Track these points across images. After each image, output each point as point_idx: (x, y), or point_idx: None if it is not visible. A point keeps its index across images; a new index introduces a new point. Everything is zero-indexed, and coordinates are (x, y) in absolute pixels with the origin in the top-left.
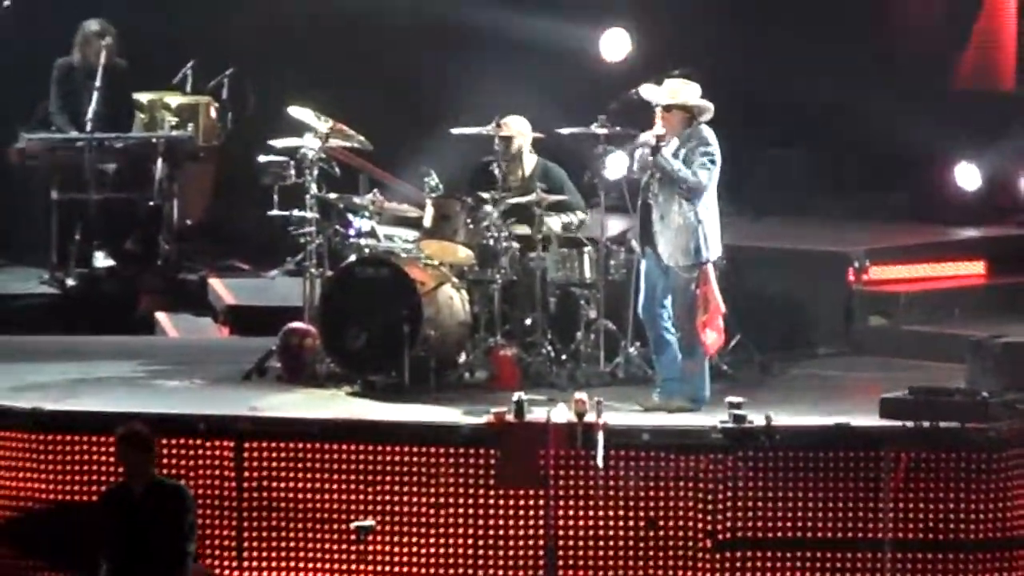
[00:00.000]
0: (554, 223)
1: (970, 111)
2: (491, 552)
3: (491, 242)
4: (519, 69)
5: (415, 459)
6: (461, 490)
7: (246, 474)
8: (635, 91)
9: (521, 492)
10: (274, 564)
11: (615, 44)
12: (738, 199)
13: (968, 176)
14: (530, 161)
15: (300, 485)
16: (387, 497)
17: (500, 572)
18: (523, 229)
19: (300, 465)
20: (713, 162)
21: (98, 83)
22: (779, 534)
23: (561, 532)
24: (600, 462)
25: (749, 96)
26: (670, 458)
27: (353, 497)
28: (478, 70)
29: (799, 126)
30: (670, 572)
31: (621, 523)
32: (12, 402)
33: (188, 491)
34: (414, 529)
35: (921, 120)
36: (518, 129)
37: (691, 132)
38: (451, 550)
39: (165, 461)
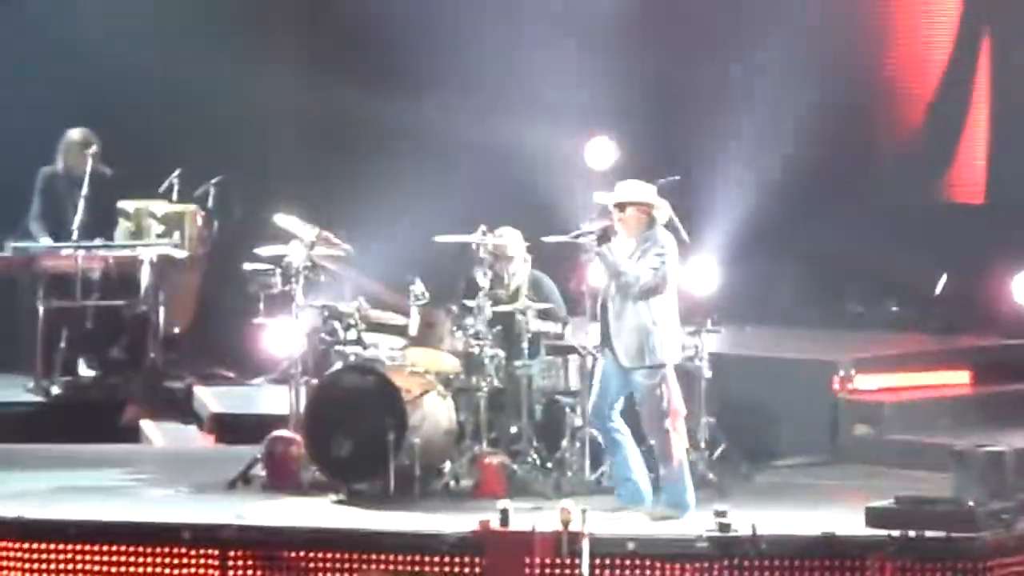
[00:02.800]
0: (540, 326)
1: (951, 223)
2: None
3: (477, 350)
4: (504, 176)
5: (401, 567)
6: None
7: None
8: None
9: None
10: None
11: (600, 152)
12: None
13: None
14: (522, 273)
15: None
16: None
17: None
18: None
19: (285, 574)
20: (664, 263)
21: (85, 191)
22: None
23: None
24: (585, 571)
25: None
26: (656, 566)
27: None
28: (464, 177)
29: (783, 236)
30: None
31: None
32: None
33: None
34: None
35: (905, 232)
36: (511, 241)
37: (648, 235)
38: None
39: (150, 569)
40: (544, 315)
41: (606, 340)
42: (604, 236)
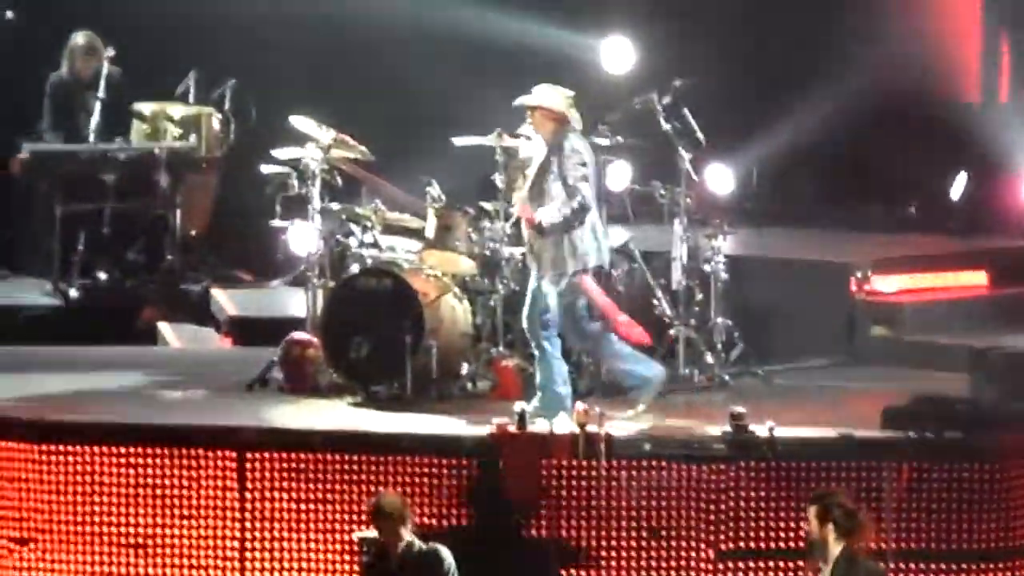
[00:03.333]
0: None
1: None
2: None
3: (493, 252)
4: (520, 79)
5: (418, 470)
6: (464, 500)
7: (248, 484)
8: (638, 100)
9: (525, 502)
10: (277, 574)
11: (617, 53)
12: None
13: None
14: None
15: (302, 496)
16: None
17: None
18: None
19: (302, 476)
20: (585, 176)
21: (100, 93)
22: (782, 544)
23: (564, 543)
24: (602, 472)
25: (752, 108)
26: (672, 468)
27: (356, 508)
28: (479, 79)
29: (800, 138)
30: None
31: (624, 533)
32: (15, 413)
33: (445, 552)
34: None
35: (919, 133)
36: (527, 141)
37: (560, 140)
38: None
39: (168, 471)
40: None
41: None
42: (539, 227)
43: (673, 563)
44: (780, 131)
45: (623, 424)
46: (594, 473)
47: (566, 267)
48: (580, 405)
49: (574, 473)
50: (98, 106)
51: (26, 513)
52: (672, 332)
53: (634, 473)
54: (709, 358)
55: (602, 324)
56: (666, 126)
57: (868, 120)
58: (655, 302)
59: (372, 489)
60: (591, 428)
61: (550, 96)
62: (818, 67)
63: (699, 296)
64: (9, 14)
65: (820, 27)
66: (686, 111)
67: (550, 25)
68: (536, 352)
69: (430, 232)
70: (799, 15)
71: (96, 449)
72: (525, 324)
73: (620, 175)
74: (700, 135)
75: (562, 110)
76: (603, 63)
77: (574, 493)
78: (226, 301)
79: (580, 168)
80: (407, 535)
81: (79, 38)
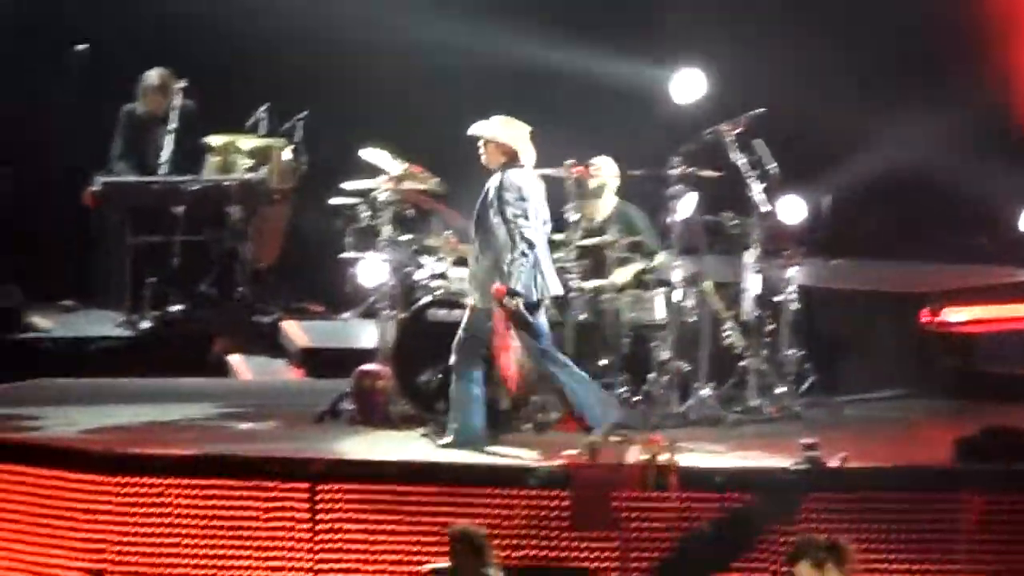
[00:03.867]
0: (627, 273)
1: None
2: None
3: (563, 283)
4: (591, 110)
5: (488, 501)
6: (535, 532)
7: (319, 516)
8: (709, 131)
9: (595, 534)
10: None
11: (688, 84)
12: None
13: None
14: (608, 203)
15: (374, 527)
16: None
17: None
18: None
19: (373, 507)
20: (524, 211)
21: (172, 126)
22: None
23: (635, 574)
24: (673, 504)
25: (824, 137)
26: (744, 500)
27: (427, 540)
28: (551, 111)
29: (872, 168)
30: None
31: (694, 565)
32: (88, 445)
33: None
34: None
35: (995, 165)
36: (604, 170)
37: (501, 175)
38: None
39: (239, 503)
40: (633, 248)
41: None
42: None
43: None
44: (851, 161)
45: (693, 456)
46: (664, 505)
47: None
48: (652, 436)
49: (644, 505)
50: (170, 138)
51: (100, 545)
52: (742, 363)
53: (705, 505)
54: (780, 389)
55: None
56: (737, 157)
57: (943, 149)
58: (725, 333)
59: (444, 520)
60: (662, 460)
61: (501, 129)
62: (893, 97)
63: (770, 327)
64: (82, 46)
65: (898, 56)
66: (758, 142)
67: (621, 56)
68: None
69: None
70: (876, 44)
71: (168, 481)
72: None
73: (690, 206)
74: (771, 166)
75: (511, 145)
76: (674, 94)
77: (644, 525)
78: (297, 333)
79: (519, 204)
80: (487, 570)
81: (153, 77)
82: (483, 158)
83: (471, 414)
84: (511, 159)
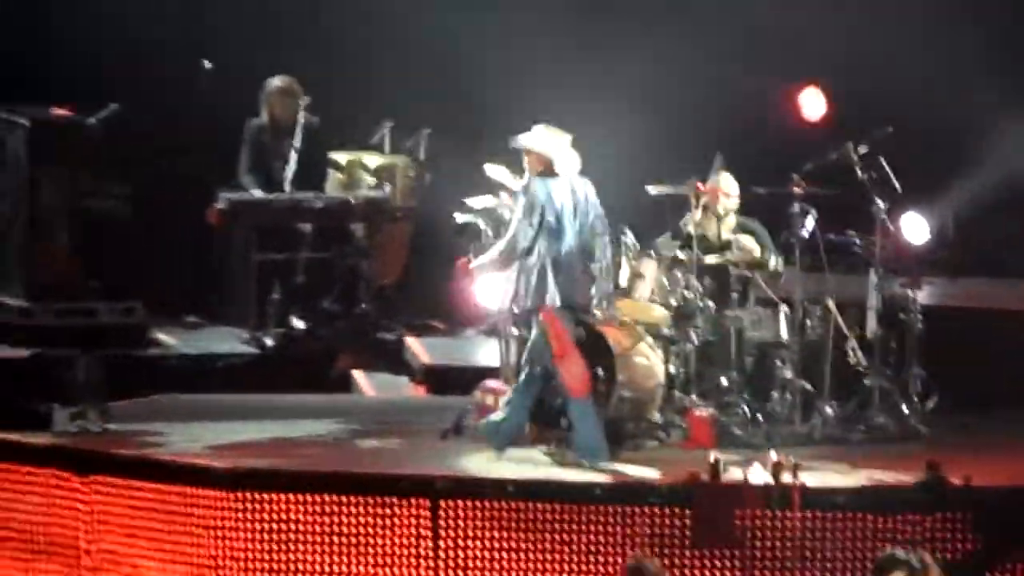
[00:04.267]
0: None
1: None
2: None
3: (687, 301)
4: (716, 129)
5: (610, 518)
6: (657, 550)
7: (442, 533)
8: (835, 151)
9: (716, 552)
10: None
11: (813, 103)
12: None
13: None
14: (730, 221)
15: (496, 544)
16: (582, 556)
17: None
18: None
19: (496, 524)
20: (526, 219)
21: (296, 143)
22: None
23: None
24: (796, 523)
25: (949, 157)
26: (867, 520)
27: (549, 556)
28: (675, 129)
29: (996, 187)
30: None
31: None
32: (212, 461)
33: None
34: None
35: None
36: (726, 187)
37: (528, 186)
38: None
39: (362, 519)
40: (755, 266)
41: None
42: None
43: None
44: (976, 180)
45: (816, 475)
46: (787, 524)
47: (533, 301)
48: (774, 455)
49: (767, 524)
50: (294, 155)
51: (222, 561)
52: (867, 382)
53: (828, 525)
54: (904, 408)
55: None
56: (863, 176)
57: None
58: (849, 351)
59: (565, 538)
60: (785, 479)
61: (540, 139)
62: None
63: (894, 346)
64: (207, 64)
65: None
66: (882, 160)
67: (748, 75)
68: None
69: (623, 281)
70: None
71: (291, 497)
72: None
73: (813, 225)
74: (896, 184)
75: (547, 154)
76: (801, 112)
77: (767, 544)
78: (420, 349)
79: (530, 212)
80: None
81: (276, 81)
82: (526, 168)
83: (587, 430)
84: (547, 168)
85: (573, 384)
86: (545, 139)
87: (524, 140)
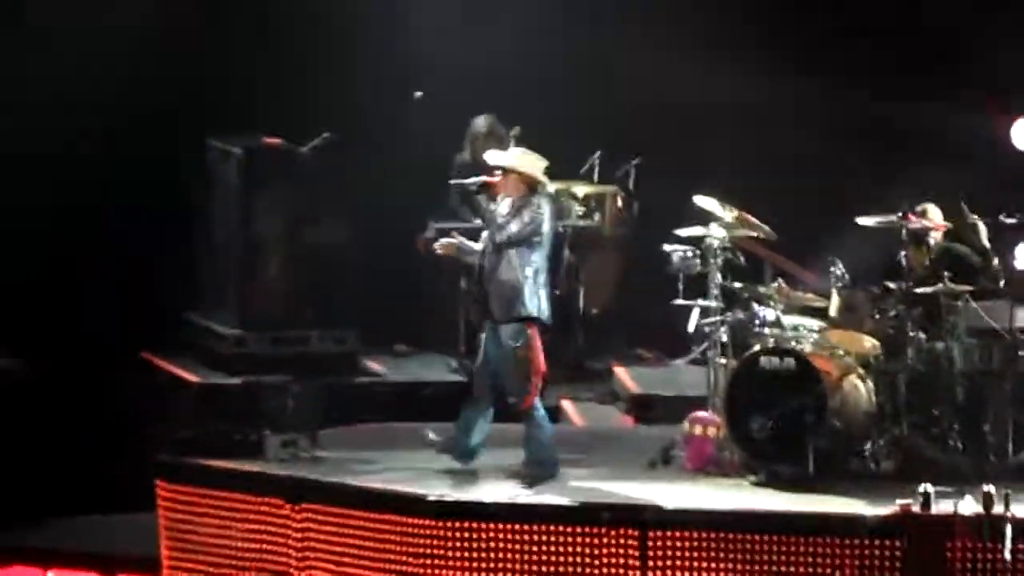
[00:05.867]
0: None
1: None
2: None
3: (898, 332)
4: (927, 161)
5: (820, 550)
6: None
7: (650, 563)
8: None
9: None
10: None
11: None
12: None
13: None
14: (936, 247)
15: (705, 575)
16: None
17: None
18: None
19: (705, 555)
20: (533, 222)
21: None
22: None
23: None
24: (1008, 555)
25: None
26: None
27: None
28: (883, 160)
29: None
30: None
31: None
32: (418, 488)
33: None
34: None
35: None
36: (932, 218)
37: (526, 198)
38: None
39: (571, 549)
40: (978, 268)
41: (486, 311)
42: (483, 188)
43: None
44: None
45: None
46: (999, 556)
47: (523, 310)
48: (986, 486)
49: (979, 556)
50: None
51: None
52: None
53: None
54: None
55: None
56: None
57: None
58: None
59: (773, 569)
60: (997, 510)
61: (525, 160)
62: None
63: None
64: (418, 94)
65: None
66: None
67: (958, 107)
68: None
69: (833, 311)
70: None
71: (499, 526)
72: (482, 385)
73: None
74: None
75: (535, 175)
76: (1015, 142)
77: None
78: (628, 379)
79: (529, 214)
80: None
81: (480, 123)
82: (500, 186)
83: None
84: (530, 188)
85: (534, 396)
86: (530, 160)
87: (510, 160)
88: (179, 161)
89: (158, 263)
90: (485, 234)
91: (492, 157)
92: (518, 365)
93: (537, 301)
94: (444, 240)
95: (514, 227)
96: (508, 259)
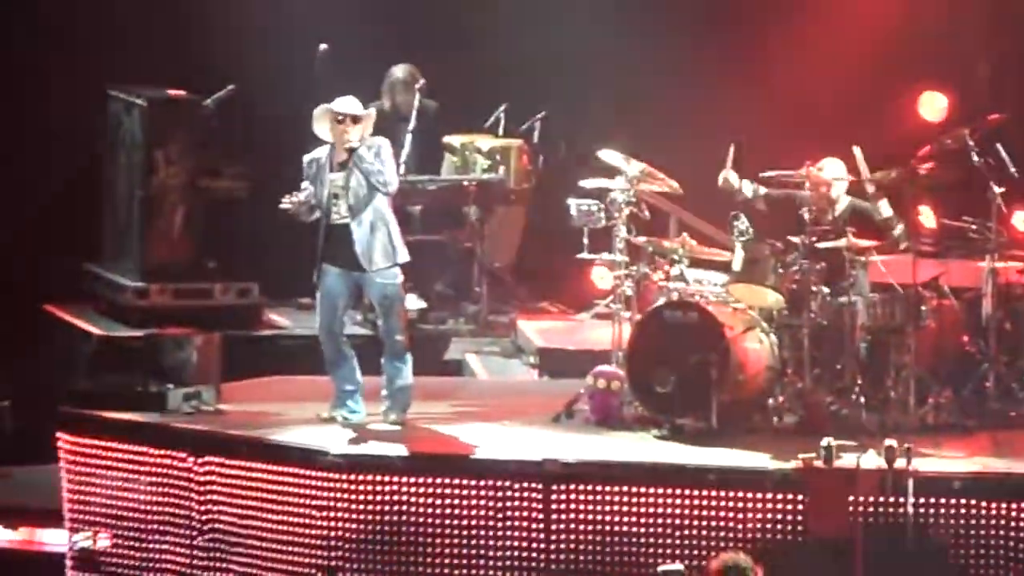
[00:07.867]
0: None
1: None
2: None
3: (800, 286)
4: (832, 125)
5: (723, 503)
6: (768, 536)
7: (553, 516)
8: (949, 137)
9: (830, 538)
10: None
11: (933, 105)
12: None
13: None
14: (841, 203)
15: (607, 528)
16: (694, 542)
17: None
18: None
19: (607, 508)
20: (380, 176)
21: (411, 126)
22: None
23: None
24: (910, 510)
25: None
26: (983, 507)
27: (661, 541)
28: (791, 120)
29: None
30: None
31: (930, 571)
32: (320, 442)
33: None
34: None
35: None
36: (833, 172)
37: (370, 141)
38: None
39: (474, 502)
40: (868, 252)
41: (331, 256)
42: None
43: None
44: None
45: (931, 461)
46: (901, 511)
47: (396, 255)
48: (888, 441)
49: (880, 510)
50: (409, 138)
51: (335, 542)
52: (982, 368)
53: (942, 512)
54: (1020, 393)
55: None
56: (978, 161)
57: None
58: (964, 337)
59: (678, 523)
60: (899, 464)
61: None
62: None
63: (1009, 331)
64: (323, 46)
65: None
66: (999, 146)
67: (862, 76)
68: (346, 350)
69: (737, 266)
70: None
71: (403, 480)
72: (334, 330)
73: (928, 214)
74: (1013, 169)
75: (368, 113)
76: (920, 112)
77: (880, 532)
78: (533, 333)
79: (392, 159)
80: None
81: (399, 71)
82: (353, 133)
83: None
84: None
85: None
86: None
87: (362, 109)
88: (81, 111)
89: (60, 213)
90: (329, 180)
91: (339, 105)
92: (403, 307)
93: (400, 243)
94: (288, 198)
95: (393, 176)
96: (374, 208)
